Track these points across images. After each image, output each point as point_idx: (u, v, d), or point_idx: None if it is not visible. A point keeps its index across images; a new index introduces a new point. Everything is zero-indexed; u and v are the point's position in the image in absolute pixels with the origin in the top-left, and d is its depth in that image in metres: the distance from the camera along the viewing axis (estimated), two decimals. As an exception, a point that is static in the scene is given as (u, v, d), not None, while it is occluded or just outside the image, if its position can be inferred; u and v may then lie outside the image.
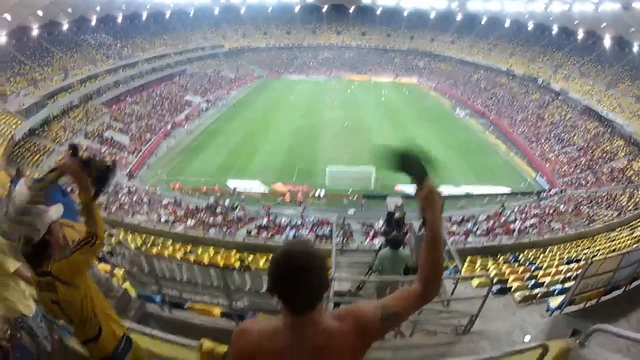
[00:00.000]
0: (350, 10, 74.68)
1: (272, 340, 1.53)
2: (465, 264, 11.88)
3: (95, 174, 2.34)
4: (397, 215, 8.12)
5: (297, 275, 1.40)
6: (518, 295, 7.81)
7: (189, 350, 2.50)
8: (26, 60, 38.24)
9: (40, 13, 39.84)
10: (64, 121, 36.74)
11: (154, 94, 50.27)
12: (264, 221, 24.51)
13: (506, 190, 31.26)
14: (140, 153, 36.08)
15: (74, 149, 2.44)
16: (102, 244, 2.46)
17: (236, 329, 1.68)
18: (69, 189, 5.21)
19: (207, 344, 2.14)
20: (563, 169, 34.70)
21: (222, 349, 2.05)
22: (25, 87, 34.58)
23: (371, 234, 21.75)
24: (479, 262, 12.94)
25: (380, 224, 22.27)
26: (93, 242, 2.38)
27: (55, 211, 2.51)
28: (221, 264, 11.57)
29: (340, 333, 1.52)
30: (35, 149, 30.49)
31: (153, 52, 55.00)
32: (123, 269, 5.70)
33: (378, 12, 72.82)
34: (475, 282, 8.90)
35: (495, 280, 8.46)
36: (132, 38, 54.50)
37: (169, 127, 42.68)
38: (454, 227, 22.51)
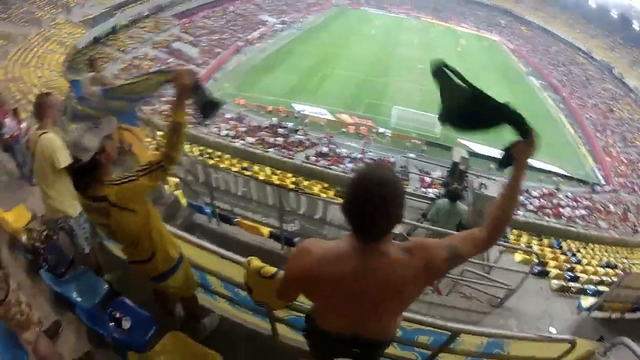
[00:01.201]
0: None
1: (334, 264, 1.50)
2: (512, 237, 11.61)
3: (199, 101, 2.23)
4: (462, 166, 7.87)
5: (373, 202, 1.31)
6: (555, 282, 7.66)
7: (234, 266, 2.44)
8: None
9: None
10: (131, 31, 36.83)
11: (228, 10, 49.38)
12: (325, 149, 24.67)
13: (564, 172, 29.49)
14: (209, 66, 36.08)
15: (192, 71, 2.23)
16: (174, 168, 2.24)
17: (298, 246, 1.64)
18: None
19: (255, 262, 2.22)
20: (621, 168, 32.06)
21: (270, 270, 2.13)
22: (93, -3, 34.27)
23: (428, 181, 21.30)
24: (524, 238, 12.67)
25: (437, 174, 21.80)
26: (167, 166, 2.13)
27: (107, 124, 2.23)
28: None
29: (405, 266, 1.48)
30: (99, 57, 31.06)
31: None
32: (177, 178, 5.66)
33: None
34: (518, 256, 8.71)
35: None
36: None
37: (240, 44, 42.26)
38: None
